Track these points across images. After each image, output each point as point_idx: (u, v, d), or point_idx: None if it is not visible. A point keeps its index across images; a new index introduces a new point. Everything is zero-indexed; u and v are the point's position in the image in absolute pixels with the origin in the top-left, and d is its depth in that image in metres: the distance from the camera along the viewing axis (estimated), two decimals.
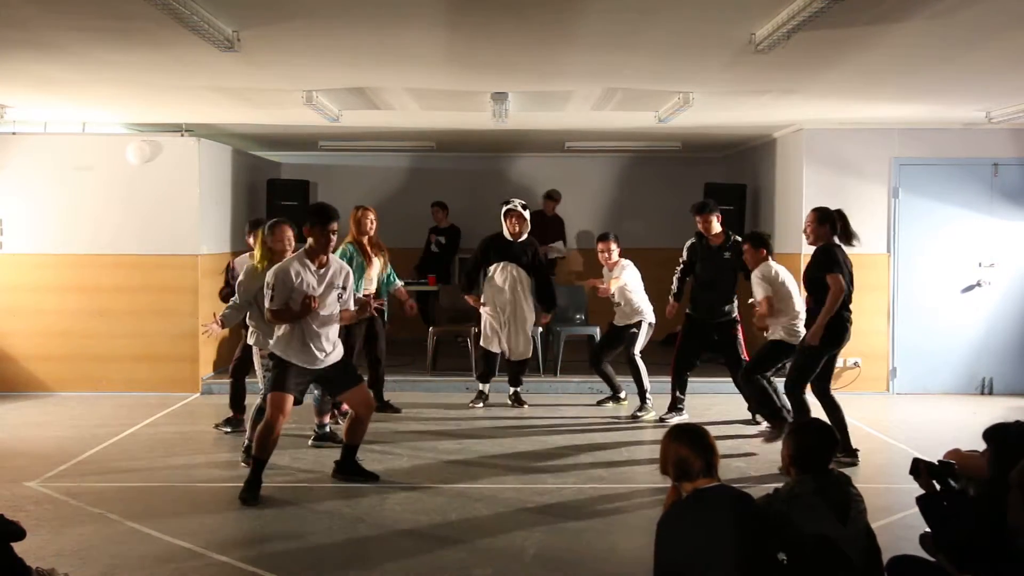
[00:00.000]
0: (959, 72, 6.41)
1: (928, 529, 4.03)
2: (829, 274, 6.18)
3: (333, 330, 5.78)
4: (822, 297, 6.23)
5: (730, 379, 8.00)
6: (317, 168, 12.17)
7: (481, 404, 8.39)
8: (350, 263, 7.61)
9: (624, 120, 8.87)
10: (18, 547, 3.95)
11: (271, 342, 5.80)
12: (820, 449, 3.68)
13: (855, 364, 8.99)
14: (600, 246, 8.21)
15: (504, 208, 8.28)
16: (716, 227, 7.74)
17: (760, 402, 7.05)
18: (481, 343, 8.44)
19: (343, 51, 5.87)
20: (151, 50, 5.79)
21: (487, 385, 8.47)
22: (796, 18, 4.62)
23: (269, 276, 5.64)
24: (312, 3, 4.79)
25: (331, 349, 5.77)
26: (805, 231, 6.51)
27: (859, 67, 6.26)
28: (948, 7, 4.70)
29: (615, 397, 8.51)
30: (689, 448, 3.47)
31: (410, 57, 6.02)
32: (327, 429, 6.99)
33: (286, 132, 10.13)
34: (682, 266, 7.96)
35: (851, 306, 6.37)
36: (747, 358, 7.68)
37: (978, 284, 9.17)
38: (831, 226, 6.34)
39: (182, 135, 9.23)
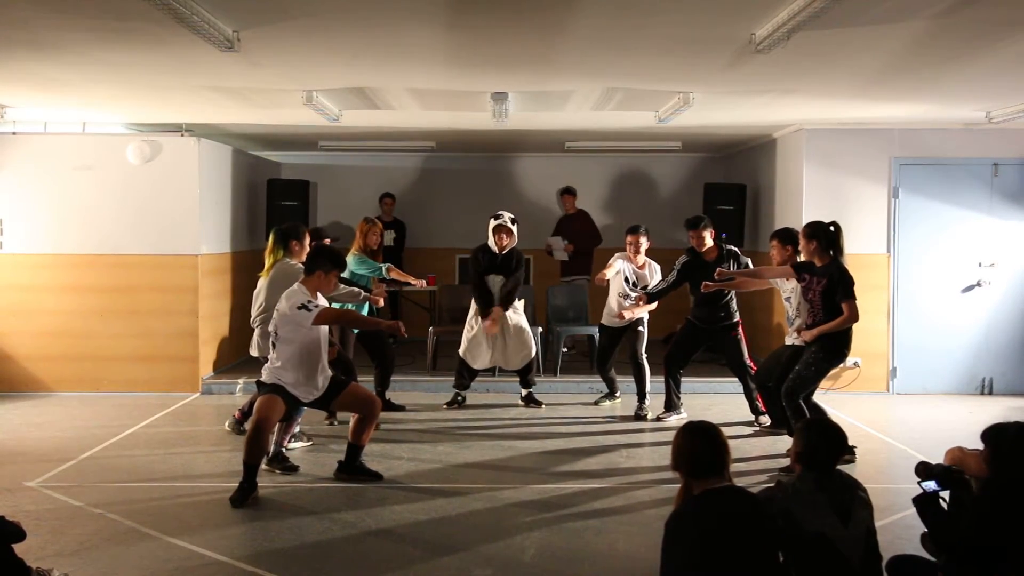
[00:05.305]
0: (959, 72, 6.41)
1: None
2: (845, 301, 6.16)
3: (325, 359, 5.89)
4: (834, 313, 6.23)
5: (730, 379, 7.97)
6: (317, 168, 12.18)
7: (456, 406, 8.34)
8: (361, 267, 7.67)
9: (624, 120, 8.87)
10: (18, 547, 3.96)
11: (265, 371, 5.81)
12: (826, 447, 3.66)
13: (855, 364, 8.98)
14: (629, 238, 8.06)
15: (494, 223, 8.15)
16: (709, 242, 7.67)
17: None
18: (461, 353, 8.32)
19: (343, 51, 5.87)
20: (151, 50, 5.80)
21: (465, 392, 8.44)
22: (796, 18, 4.62)
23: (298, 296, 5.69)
24: (312, 3, 4.79)
25: (325, 381, 5.86)
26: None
27: (859, 67, 6.26)
28: (948, 7, 4.70)
29: (611, 395, 8.55)
30: (701, 446, 3.43)
31: (410, 57, 6.02)
32: (282, 449, 6.38)
33: (286, 132, 10.13)
34: (669, 283, 7.74)
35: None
36: (749, 359, 7.68)
37: (978, 284, 9.17)
38: (819, 242, 6.28)
39: (182, 135, 9.22)
